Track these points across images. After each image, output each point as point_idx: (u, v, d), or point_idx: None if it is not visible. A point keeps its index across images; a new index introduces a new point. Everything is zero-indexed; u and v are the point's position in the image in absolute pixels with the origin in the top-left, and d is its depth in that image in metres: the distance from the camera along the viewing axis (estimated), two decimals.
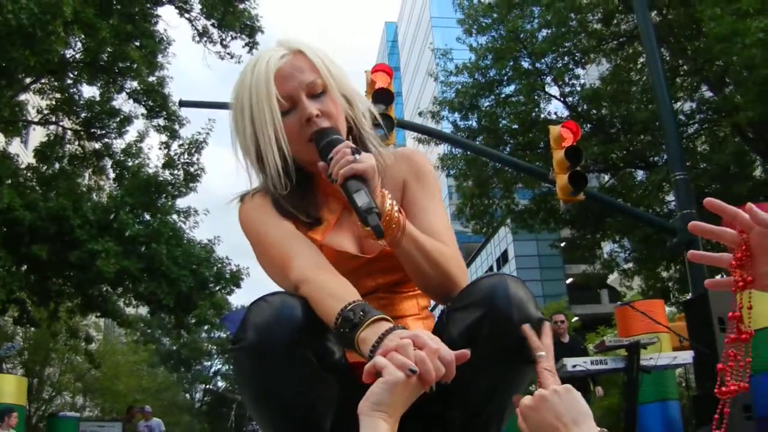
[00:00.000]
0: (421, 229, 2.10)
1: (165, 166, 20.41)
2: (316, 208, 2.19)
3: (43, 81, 19.99)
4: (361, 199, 1.85)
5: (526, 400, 1.74)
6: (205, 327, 29.80)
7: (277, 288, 2.08)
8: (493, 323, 1.86)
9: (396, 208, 1.98)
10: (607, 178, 23.63)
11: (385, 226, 1.89)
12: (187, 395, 62.43)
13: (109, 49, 18.81)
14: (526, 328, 1.88)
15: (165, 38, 20.70)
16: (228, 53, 21.42)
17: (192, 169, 20.51)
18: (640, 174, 23.00)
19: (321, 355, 1.86)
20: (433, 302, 2.31)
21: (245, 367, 1.86)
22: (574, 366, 8.34)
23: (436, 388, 1.63)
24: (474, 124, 23.48)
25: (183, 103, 17.22)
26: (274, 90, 2.07)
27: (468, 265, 61.59)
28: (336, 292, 1.85)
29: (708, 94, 20.92)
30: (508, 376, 1.96)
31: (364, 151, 2.04)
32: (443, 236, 2.16)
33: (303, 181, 2.19)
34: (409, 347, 1.60)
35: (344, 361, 1.96)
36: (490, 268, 63.72)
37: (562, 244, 29.31)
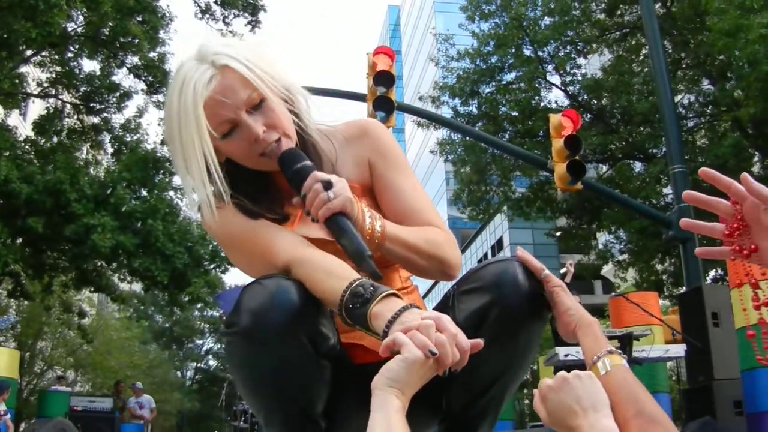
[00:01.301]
0: (401, 212, 2.09)
1: (163, 142, 20.33)
2: (279, 204, 2.11)
3: (43, 54, 19.96)
4: (350, 244, 1.82)
5: (548, 380, 1.74)
6: (199, 305, 29.76)
7: None
8: (501, 308, 1.86)
9: (376, 219, 1.95)
10: (605, 168, 23.64)
11: (368, 242, 1.86)
12: (179, 373, 62.37)
13: (110, 24, 18.80)
14: (519, 250, 1.93)
15: (167, 14, 20.67)
16: (230, 31, 21.33)
17: None
18: (638, 166, 23.03)
19: (315, 340, 1.84)
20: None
21: (238, 351, 1.84)
22: (566, 355, 8.35)
23: (450, 374, 1.64)
24: (474, 110, 23.49)
25: None
26: (203, 122, 1.92)
27: (462, 251, 61.60)
28: (335, 271, 1.83)
29: (709, 88, 20.92)
30: (512, 362, 1.96)
31: (309, 139, 2.08)
32: (426, 214, 2.14)
33: (258, 182, 2.11)
34: (432, 329, 1.60)
35: (339, 346, 1.94)
36: (485, 255, 63.70)
37: (558, 234, 29.35)
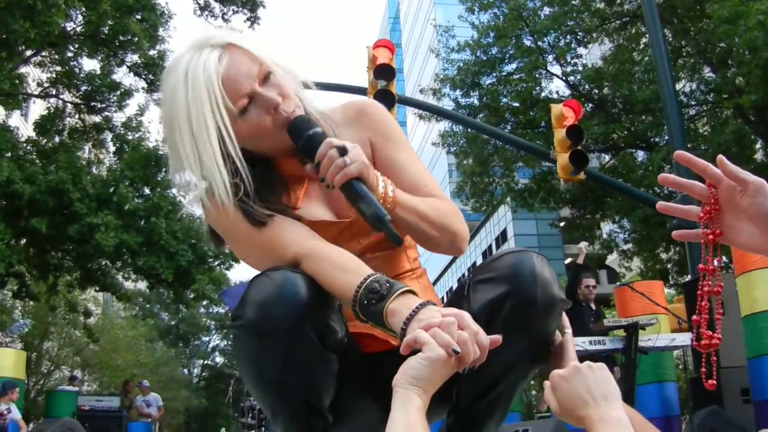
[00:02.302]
0: (406, 188, 2.04)
1: (165, 140, 20.36)
2: (286, 194, 2.10)
3: (43, 54, 19.96)
4: (369, 208, 1.82)
5: (559, 370, 1.74)
6: (204, 302, 29.77)
7: None
8: (517, 301, 1.85)
9: (388, 184, 1.95)
10: (607, 158, 23.62)
11: (382, 204, 1.85)
12: (185, 370, 62.47)
13: (109, 22, 18.80)
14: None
15: (166, 11, 20.65)
16: (229, 28, 21.29)
17: None
18: (640, 155, 22.99)
19: (322, 334, 1.82)
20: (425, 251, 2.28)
21: (244, 344, 1.83)
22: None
23: (468, 370, 1.63)
24: (475, 101, 23.45)
25: None
26: (221, 101, 1.90)
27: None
28: (347, 265, 1.83)
29: (710, 75, 20.90)
30: (525, 355, 1.95)
31: (307, 115, 2.02)
32: (431, 188, 2.14)
33: (261, 172, 2.07)
34: (454, 326, 1.58)
35: (346, 340, 1.92)
36: (489, 247, 63.82)
37: (562, 224, 29.34)
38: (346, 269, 1.82)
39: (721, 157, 1.50)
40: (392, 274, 2.10)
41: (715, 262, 1.57)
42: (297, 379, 1.83)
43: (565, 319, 2.01)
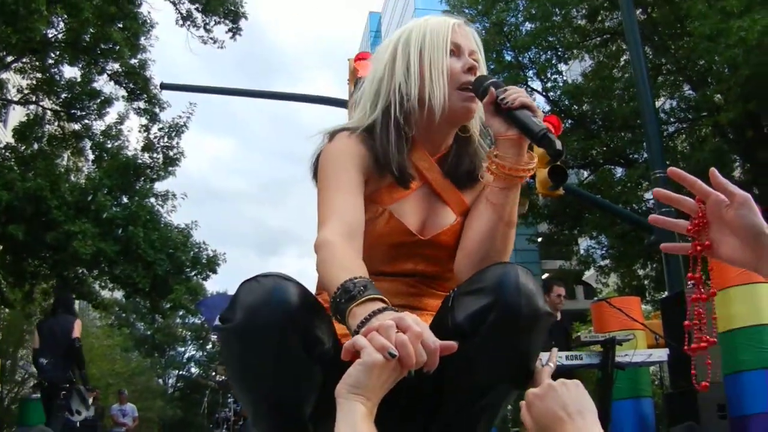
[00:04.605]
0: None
1: (144, 149, 20.37)
2: (410, 166, 2.27)
3: (24, 60, 19.87)
4: (537, 125, 1.97)
5: (534, 389, 1.75)
6: (180, 312, 29.72)
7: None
8: (501, 312, 1.83)
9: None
10: (586, 174, 23.71)
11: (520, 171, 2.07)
12: (161, 380, 62.22)
13: (91, 30, 18.74)
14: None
15: (148, 21, 20.59)
16: (211, 38, 21.33)
17: (171, 153, 20.46)
18: (619, 171, 23.10)
19: (309, 343, 1.83)
20: None
21: (232, 347, 1.85)
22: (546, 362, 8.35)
23: (418, 375, 1.60)
24: None
25: (164, 86, 17.21)
26: (449, 36, 2.26)
27: None
28: (347, 265, 1.85)
29: (690, 93, 21.03)
30: (509, 367, 1.93)
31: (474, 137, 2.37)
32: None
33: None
34: (392, 329, 1.56)
35: (332, 351, 1.90)
36: None
37: (539, 239, 29.43)
38: (342, 267, 1.84)
39: (713, 169, 1.57)
40: (420, 307, 2.18)
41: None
42: (279, 384, 1.84)
43: (553, 354, 2.01)
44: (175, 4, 21.14)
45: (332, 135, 2.29)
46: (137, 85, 20.44)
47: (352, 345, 1.58)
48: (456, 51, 2.26)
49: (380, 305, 1.68)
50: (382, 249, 2.19)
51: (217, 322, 1.87)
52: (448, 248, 2.24)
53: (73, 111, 20.63)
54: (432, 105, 2.20)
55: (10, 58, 19.12)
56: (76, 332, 10.80)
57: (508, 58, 23.14)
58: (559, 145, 1.92)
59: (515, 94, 2.01)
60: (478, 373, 1.82)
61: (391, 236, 2.16)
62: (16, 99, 21.24)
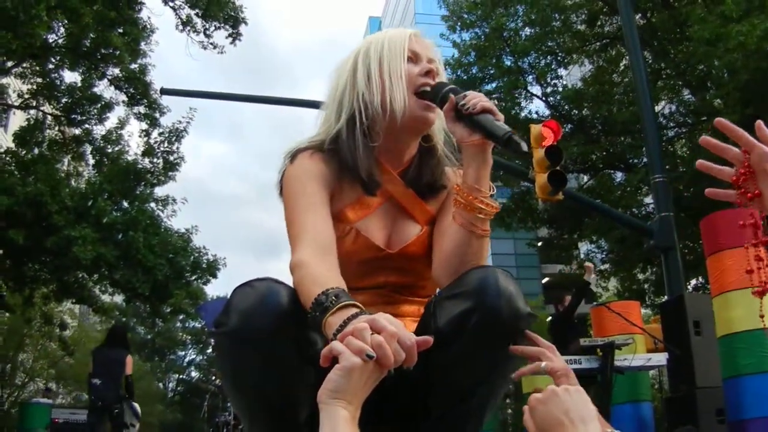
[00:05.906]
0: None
1: (144, 154, 20.35)
2: (377, 174, 2.30)
3: (24, 65, 19.87)
4: (500, 128, 1.98)
5: (537, 394, 1.74)
6: (180, 316, 29.71)
7: None
8: (482, 315, 1.86)
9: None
10: (586, 178, 23.67)
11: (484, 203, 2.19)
12: (161, 385, 62.13)
13: (91, 35, 18.72)
14: (515, 349, 1.95)
15: (148, 26, 20.60)
16: (211, 43, 21.29)
17: (171, 158, 20.47)
18: (619, 175, 23.06)
19: (302, 346, 1.85)
20: None
21: (226, 351, 1.87)
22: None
23: (398, 373, 1.62)
24: None
25: (164, 91, 17.23)
26: (407, 44, 2.33)
27: None
28: (321, 281, 1.84)
29: (689, 97, 21.01)
30: (492, 369, 1.96)
31: (438, 146, 2.42)
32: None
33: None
34: (366, 331, 1.57)
35: None
36: None
37: (539, 244, 29.37)
38: (316, 282, 1.84)
39: (759, 122, 1.65)
40: (397, 314, 2.11)
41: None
42: (274, 388, 1.86)
43: (531, 350, 2.05)
44: (175, 10, 21.12)
45: (293, 156, 2.31)
46: (137, 90, 20.41)
47: (329, 351, 1.58)
48: (414, 58, 2.32)
49: (354, 311, 1.70)
50: (353, 266, 2.19)
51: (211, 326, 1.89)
52: (418, 258, 2.28)
53: (73, 116, 20.60)
54: (393, 109, 2.23)
55: (10, 63, 19.11)
56: (128, 369, 11.96)
57: (508, 63, 23.09)
58: (524, 146, 1.94)
59: (475, 99, 2.04)
60: (461, 376, 1.84)
61: (360, 253, 2.19)
62: (16, 104, 21.23)
